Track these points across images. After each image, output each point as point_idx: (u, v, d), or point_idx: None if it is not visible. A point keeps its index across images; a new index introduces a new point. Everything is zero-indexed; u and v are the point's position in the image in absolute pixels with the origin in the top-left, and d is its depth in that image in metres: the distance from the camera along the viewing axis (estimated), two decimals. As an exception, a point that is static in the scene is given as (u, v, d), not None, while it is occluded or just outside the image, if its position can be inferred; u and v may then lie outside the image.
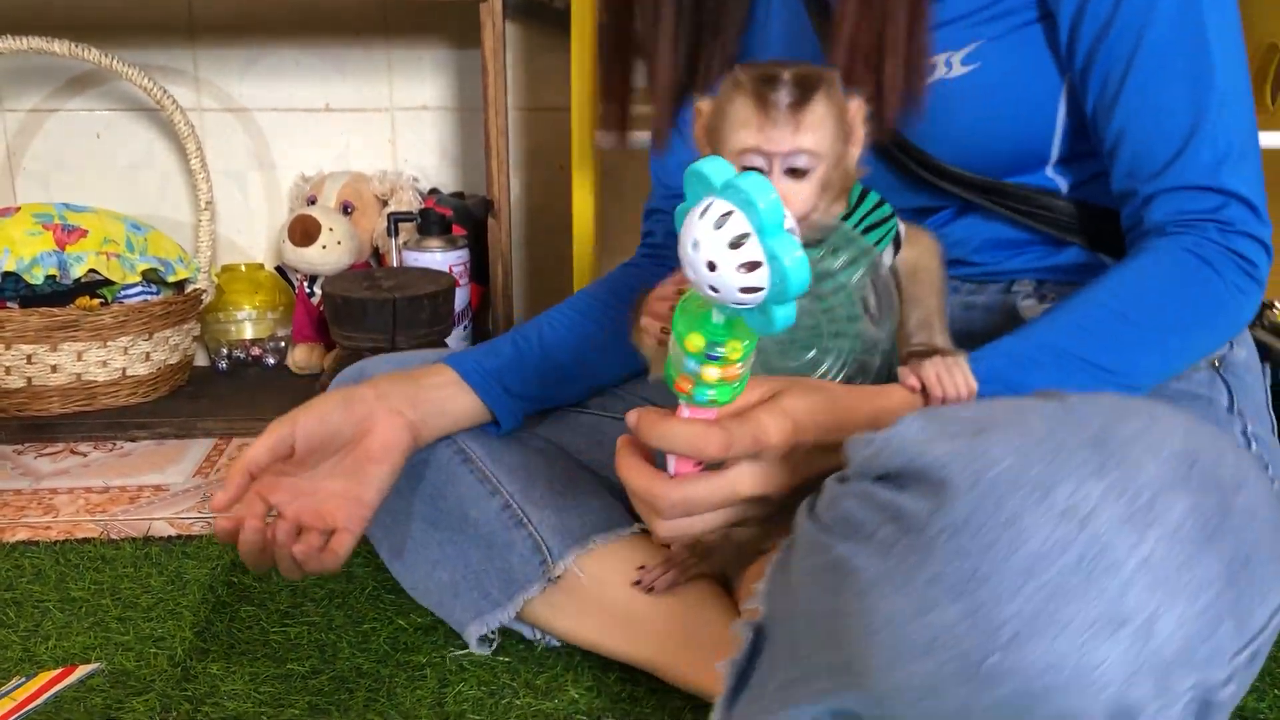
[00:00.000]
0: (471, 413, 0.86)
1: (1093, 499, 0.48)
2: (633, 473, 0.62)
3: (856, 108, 0.65)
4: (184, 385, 1.59)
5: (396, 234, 1.55)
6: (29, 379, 1.43)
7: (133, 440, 1.45)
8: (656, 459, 0.63)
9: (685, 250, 0.51)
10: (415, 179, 1.72)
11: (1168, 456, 0.50)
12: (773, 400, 0.62)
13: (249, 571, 1.02)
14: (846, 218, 0.69)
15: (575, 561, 0.83)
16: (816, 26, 0.80)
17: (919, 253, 0.73)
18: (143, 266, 1.49)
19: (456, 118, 1.73)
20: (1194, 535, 0.48)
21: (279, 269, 1.73)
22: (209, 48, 1.67)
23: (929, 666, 0.50)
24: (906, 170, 0.82)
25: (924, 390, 0.67)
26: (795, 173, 0.63)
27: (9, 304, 1.44)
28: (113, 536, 1.14)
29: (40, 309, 1.42)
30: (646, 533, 0.86)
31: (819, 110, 0.62)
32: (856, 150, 0.66)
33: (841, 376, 0.69)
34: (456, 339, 1.53)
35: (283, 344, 1.69)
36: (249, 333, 1.68)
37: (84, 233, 1.46)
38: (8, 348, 1.41)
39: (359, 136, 1.72)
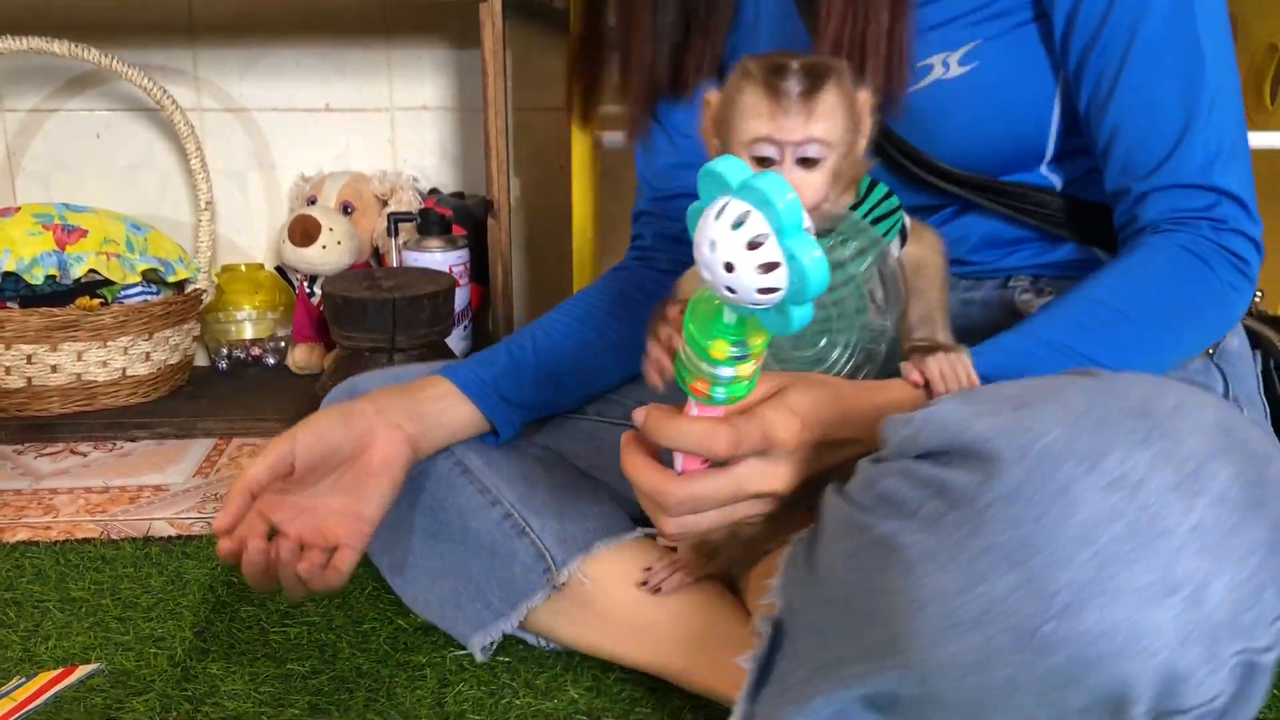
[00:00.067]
0: (470, 423, 0.85)
1: (1141, 468, 0.49)
2: (639, 470, 0.62)
3: (865, 98, 0.65)
4: (184, 385, 1.59)
5: (396, 234, 1.55)
6: (29, 379, 1.43)
7: (133, 440, 1.45)
8: (662, 456, 0.63)
9: (702, 251, 0.50)
10: (415, 179, 1.72)
11: (1208, 427, 0.51)
12: (778, 397, 0.62)
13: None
14: (855, 208, 0.69)
15: (579, 568, 0.82)
16: (809, 26, 0.80)
17: (923, 249, 0.73)
18: (143, 266, 1.49)
19: (456, 118, 1.73)
20: (1240, 502, 0.49)
21: (279, 269, 1.73)
22: (209, 48, 1.67)
23: (980, 639, 0.50)
24: (904, 170, 0.83)
25: (927, 385, 0.67)
26: (807, 162, 0.63)
27: (9, 304, 1.44)
28: (113, 536, 1.14)
29: (40, 309, 1.42)
30: (650, 537, 0.86)
31: (830, 99, 0.62)
32: (864, 140, 0.66)
33: (850, 365, 0.70)
34: (456, 339, 1.53)
35: (283, 344, 1.69)
36: (249, 333, 1.68)
37: (84, 233, 1.46)
38: (8, 348, 1.41)
39: (359, 136, 1.72)
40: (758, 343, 0.55)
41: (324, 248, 1.57)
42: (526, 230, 1.78)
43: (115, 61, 1.47)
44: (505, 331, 1.55)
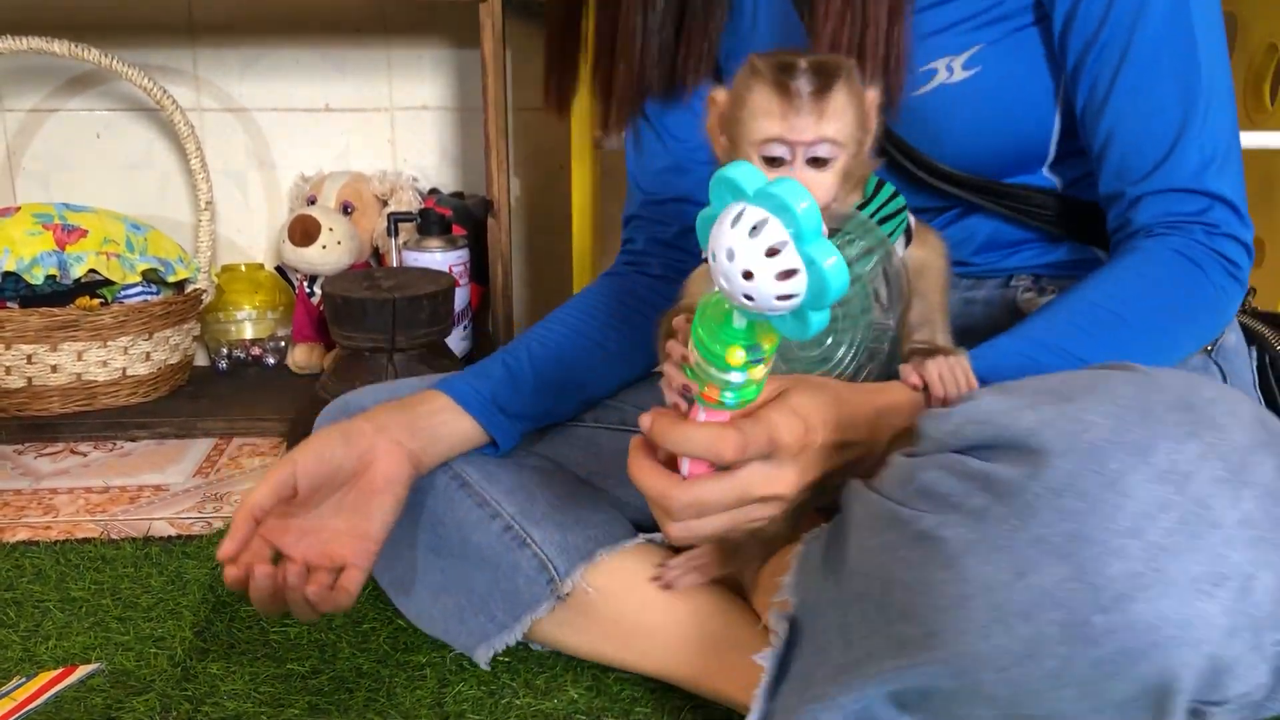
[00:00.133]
0: (469, 436, 0.85)
1: (1190, 459, 0.50)
2: (645, 475, 0.62)
3: (872, 97, 0.65)
4: (184, 385, 1.59)
5: (396, 234, 1.55)
6: (29, 379, 1.43)
7: (133, 440, 1.45)
8: (663, 457, 0.63)
9: (718, 259, 0.50)
10: (415, 179, 1.72)
11: (1247, 419, 0.52)
12: (781, 399, 0.62)
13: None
14: (863, 207, 0.69)
15: (583, 577, 0.82)
16: (808, 26, 0.80)
17: (927, 252, 0.73)
18: (143, 266, 1.49)
19: (456, 118, 1.73)
20: None
21: (279, 269, 1.73)
22: (209, 47, 1.67)
23: (1029, 630, 0.51)
24: (907, 172, 0.83)
25: (925, 388, 0.67)
26: (817, 162, 0.62)
27: (9, 304, 1.44)
28: (113, 536, 1.14)
29: (40, 309, 1.42)
30: (652, 542, 0.85)
31: (841, 98, 0.62)
32: (871, 140, 0.66)
33: (854, 364, 0.70)
34: (456, 339, 1.53)
35: (283, 344, 1.69)
36: (249, 333, 1.68)
37: (84, 233, 1.46)
38: (8, 348, 1.41)
39: (359, 136, 1.72)
40: (768, 347, 0.54)
41: (324, 248, 1.57)
42: (526, 230, 1.78)
43: (115, 61, 1.47)
44: (505, 331, 1.55)
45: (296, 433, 1.34)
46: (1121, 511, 0.49)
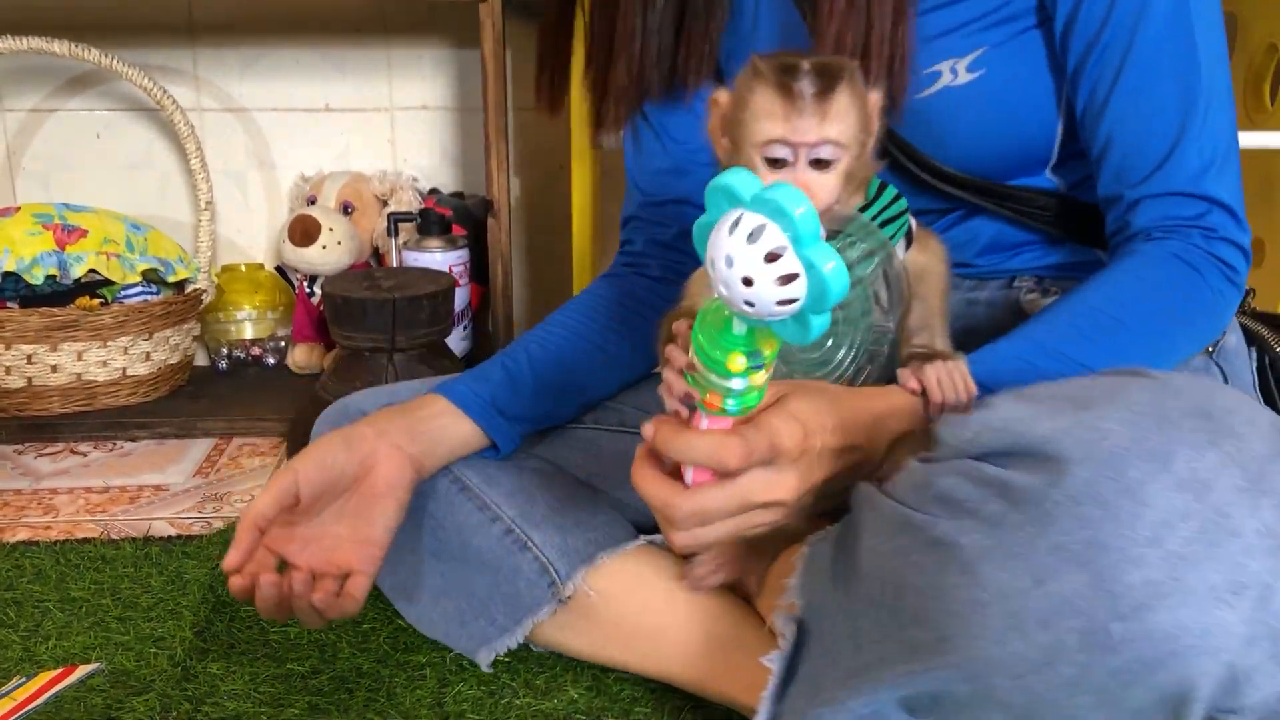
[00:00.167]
0: (470, 440, 0.85)
1: (1210, 468, 0.50)
2: (648, 484, 0.62)
3: (875, 99, 0.65)
4: (184, 385, 1.59)
5: (396, 234, 1.55)
6: (29, 379, 1.43)
7: (133, 440, 1.45)
8: (667, 464, 0.63)
9: (716, 266, 0.50)
10: (415, 179, 1.72)
11: (1264, 428, 0.52)
12: (780, 404, 0.62)
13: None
14: (864, 209, 0.69)
15: (584, 580, 0.82)
16: (810, 27, 0.80)
17: (928, 256, 0.73)
18: (143, 266, 1.49)
19: (456, 118, 1.73)
20: None
21: (279, 269, 1.73)
22: (209, 47, 1.67)
23: (1047, 637, 0.51)
24: (910, 174, 0.83)
25: (924, 393, 0.67)
26: (820, 163, 0.62)
27: (9, 304, 1.44)
28: (113, 536, 1.14)
29: (40, 309, 1.42)
30: (653, 545, 0.85)
31: (844, 100, 0.62)
32: (874, 141, 0.66)
33: (854, 367, 0.70)
34: (456, 339, 1.53)
35: (283, 344, 1.69)
36: (249, 333, 1.68)
37: (84, 233, 1.46)
38: (8, 348, 1.41)
39: (359, 136, 1.72)
40: (769, 352, 0.54)
41: (324, 248, 1.57)
42: (526, 230, 1.78)
43: (115, 61, 1.47)
44: (505, 331, 1.55)
45: (296, 433, 1.34)
46: (1141, 520, 0.50)
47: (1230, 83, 0.77)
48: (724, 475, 0.61)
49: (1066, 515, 0.51)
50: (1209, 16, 0.75)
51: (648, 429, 0.61)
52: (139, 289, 1.50)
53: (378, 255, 1.67)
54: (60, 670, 0.88)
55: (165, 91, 1.51)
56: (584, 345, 0.91)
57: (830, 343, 0.69)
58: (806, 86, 0.61)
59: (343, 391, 0.94)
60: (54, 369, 1.44)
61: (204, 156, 1.56)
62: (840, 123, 0.61)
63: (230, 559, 0.74)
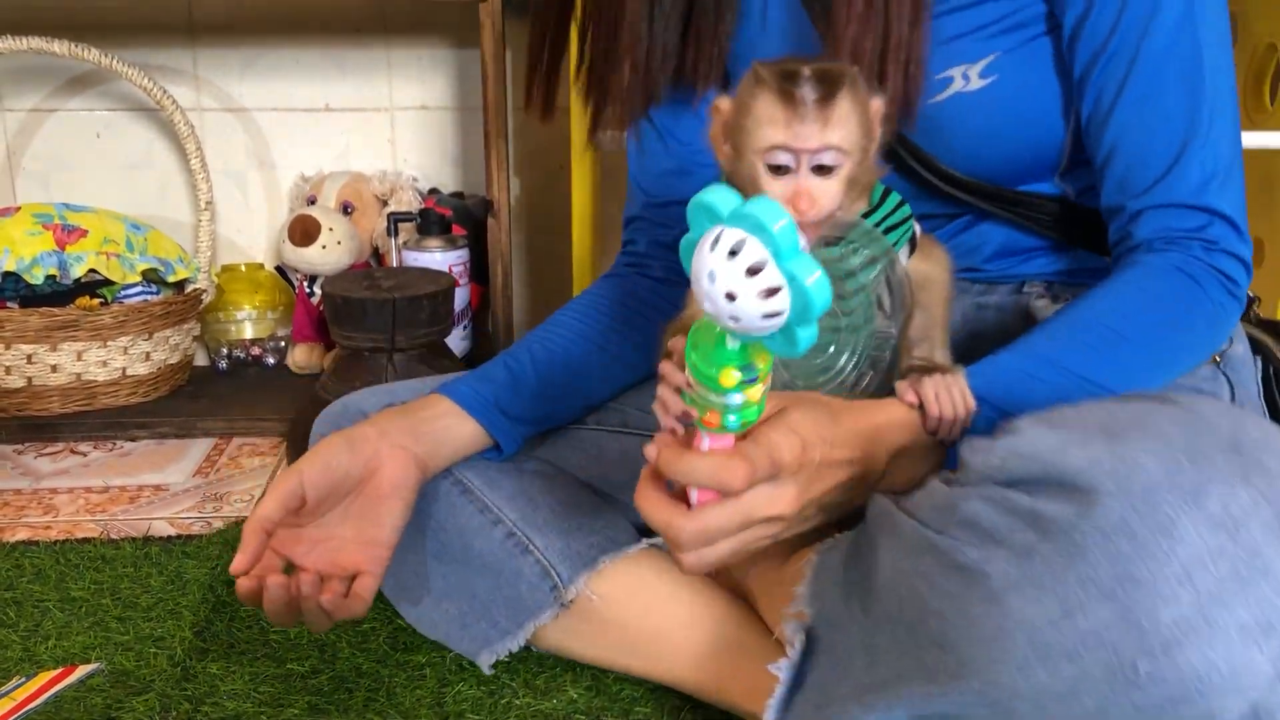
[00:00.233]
0: (473, 440, 0.85)
1: (1243, 506, 0.50)
2: (651, 507, 0.62)
3: (877, 104, 0.65)
4: (184, 385, 1.59)
5: (396, 234, 1.55)
6: (29, 379, 1.43)
7: (133, 440, 1.45)
8: (670, 484, 0.62)
9: (701, 283, 0.50)
10: (415, 179, 1.72)
11: None
12: (779, 417, 0.61)
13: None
14: (867, 215, 0.69)
15: (586, 584, 0.82)
16: (822, 33, 0.79)
17: (931, 265, 0.73)
18: (143, 266, 1.49)
19: (456, 118, 1.73)
20: None
21: (279, 269, 1.73)
22: (208, 47, 1.67)
23: (1072, 670, 0.51)
24: (920, 178, 0.82)
25: (921, 406, 0.67)
26: (822, 170, 0.62)
27: (9, 304, 1.44)
28: (113, 536, 1.14)
29: (40, 309, 1.42)
30: (655, 547, 0.85)
31: (846, 106, 0.61)
32: (876, 147, 0.66)
33: (856, 373, 0.69)
34: (456, 339, 1.53)
35: (283, 344, 1.69)
36: (249, 332, 1.68)
37: (84, 233, 1.46)
38: (8, 348, 1.41)
39: (359, 136, 1.72)
40: (763, 365, 0.54)
41: (324, 248, 1.57)
42: (526, 230, 1.78)
43: (115, 61, 1.47)
44: (505, 331, 1.55)
45: (296, 433, 1.34)
46: (1174, 557, 0.49)
47: (1235, 94, 0.76)
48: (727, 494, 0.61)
49: (1097, 548, 0.51)
50: (1216, 26, 0.74)
51: (650, 450, 0.60)
52: (139, 289, 1.50)
53: (378, 255, 1.67)
54: (60, 670, 0.88)
55: (165, 91, 1.51)
56: (587, 346, 0.90)
57: (832, 350, 0.69)
58: (808, 93, 0.60)
59: (343, 391, 0.94)
60: (54, 369, 1.44)
61: (204, 156, 1.56)
62: (842, 129, 0.61)
63: (238, 563, 0.74)
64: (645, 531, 0.86)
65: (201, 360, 1.69)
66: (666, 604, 0.81)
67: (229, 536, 1.11)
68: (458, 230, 1.56)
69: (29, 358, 1.42)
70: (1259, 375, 0.86)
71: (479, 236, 1.57)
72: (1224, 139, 0.75)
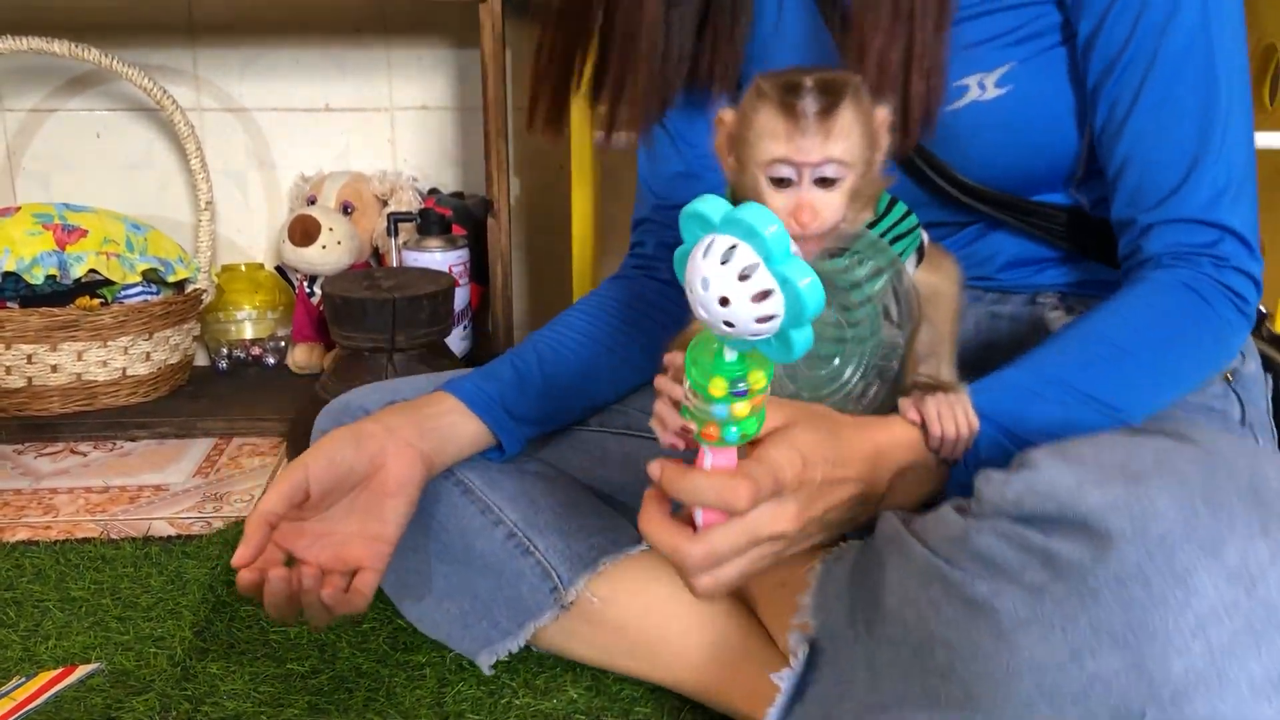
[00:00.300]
0: (476, 439, 0.84)
1: (1261, 560, 0.50)
2: (657, 532, 0.61)
3: (882, 115, 0.64)
4: (184, 385, 1.59)
5: (396, 234, 1.55)
6: (29, 379, 1.43)
7: (133, 440, 1.45)
8: (675, 507, 0.62)
9: (694, 290, 0.50)
10: (415, 179, 1.72)
11: None
12: (782, 434, 0.61)
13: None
14: (874, 225, 0.68)
15: (587, 586, 0.82)
16: (838, 41, 0.78)
17: (940, 278, 0.72)
18: (143, 266, 1.49)
19: (456, 118, 1.73)
20: None
21: (279, 269, 1.73)
22: (208, 47, 1.67)
23: (1077, 713, 0.51)
24: (933, 185, 0.82)
25: (924, 425, 0.67)
26: (825, 182, 0.62)
27: (9, 304, 1.44)
28: (113, 536, 1.14)
29: (40, 309, 1.42)
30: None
31: (847, 118, 0.61)
32: (881, 157, 0.65)
33: (862, 384, 0.69)
34: (456, 339, 1.53)
35: (283, 344, 1.69)
36: (249, 333, 1.68)
37: (84, 233, 1.46)
38: (8, 348, 1.41)
39: (359, 136, 1.72)
40: (763, 373, 0.54)
41: (324, 248, 1.57)
42: (526, 230, 1.78)
43: (115, 61, 1.47)
44: (505, 331, 1.55)
45: (296, 433, 1.34)
46: (1188, 609, 0.49)
47: (1250, 111, 0.76)
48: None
49: (1110, 594, 0.50)
50: (1231, 41, 0.74)
51: (654, 468, 0.60)
52: (139, 289, 1.50)
53: (378, 255, 1.67)
54: (60, 670, 0.88)
55: (165, 91, 1.51)
56: (594, 347, 0.90)
57: (837, 361, 0.69)
58: (809, 105, 0.60)
59: (342, 392, 0.94)
60: (54, 369, 1.44)
61: (204, 156, 1.56)
62: (844, 141, 0.61)
63: (240, 554, 0.73)
64: None
65: (202, 360, 1.69)
66: (667, 606, 0.81)
67: (229, 536, 1.11)
68: (458, 230, 1.56)
69: (29, 358, 1.42)
70: (1269, 392, 0.86)
71: (479, 236, 1.58)
72: (1237, 155, 0.74)
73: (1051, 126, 0.79)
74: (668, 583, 0.82)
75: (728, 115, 0.65)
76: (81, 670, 0.88)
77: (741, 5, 0.84)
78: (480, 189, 1.61)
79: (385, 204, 1.65)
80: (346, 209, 1.64)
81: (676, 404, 0.60)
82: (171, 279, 1.53)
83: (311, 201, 1.66)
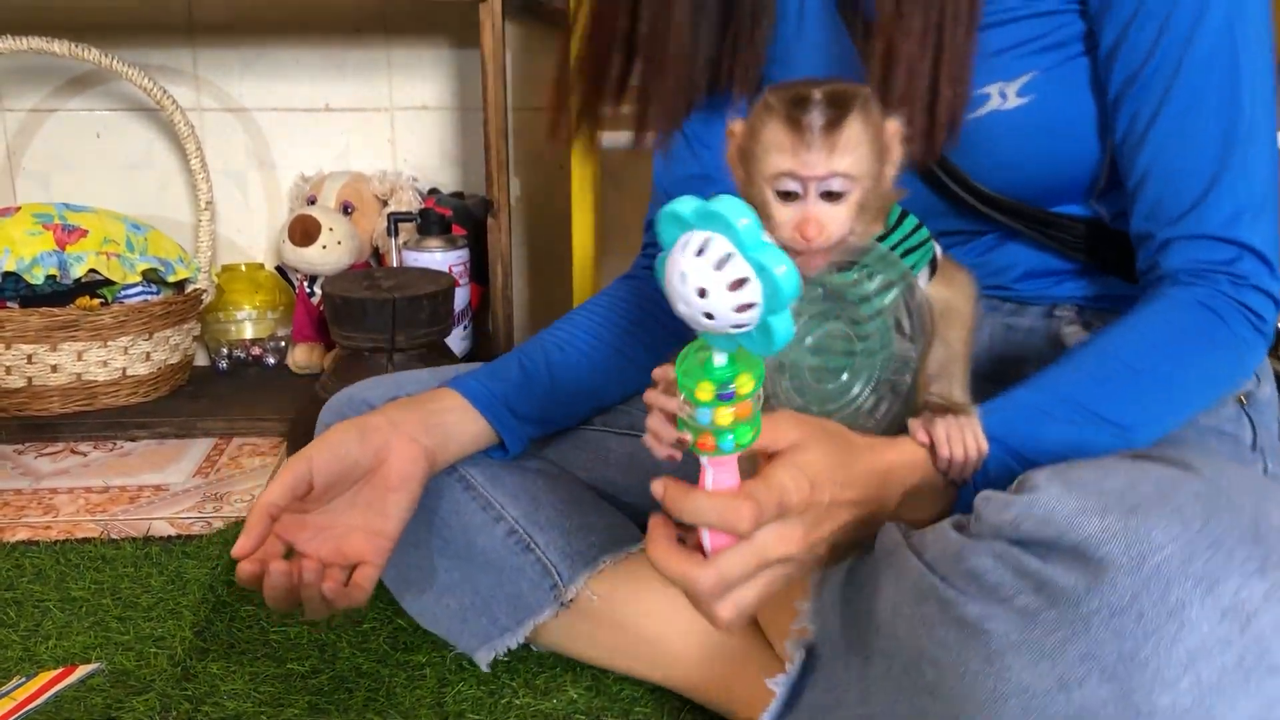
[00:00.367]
0: (479, 437, 0.84)
1: (1256, 599, 0.49)
2: (666, 560, 0.61)
3: (894, 127, 0.64)
4: (184, 385, 1.59)
5: (396, 234, 1.55)
6: (29, 379, 1.43)
7: (133, 440, 1.45)
8: (680, 536, 0.62)
9: (673, 286, 0.51)
10: (415, 179, 1.72)
11: None
12: (789, 455, 0.61)
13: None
14: (883, 239, 0.68)
15: (586, 584, 0.82)
16: (861, 49, 0.78)
17: (953, 293, 0.71)
18: (143, 266, 1.49)
19: (456, 118, 1.73)
20: None
21: (279, 269, 1.73)
22: (208, 47, 1.67)
23: None
24: (951, 194, 0.81)
25: (933, 446, 0.67)
26: (831, 195, 0.61)
27: (9, 304, 1.44)
28: (113, 536, 1.14)
29: (40, 309, 1.42)
30: None
31: (854, 131, 0.60)
32: (893, 170, 0.64)
33: (874, 398, 0.69)
34: (456, 339, 1.53)
35: (283, 344, 1.69)
36: (249, 332, 1.68)
37: (84, 233, 1.46)
38: (8, 348, 1.41)
39: (359, 136, 1.72)
40: (750, 376, 0.54)
41: (324, 248, 1.57)
42: (526, 230, 1.78)
43: (115, 61, 1.47)
44: (505, 331, 1.55)
45: (296, 433, 1.34)
46: (1179, 644, 0.49)
47: (1275, 126, 0.74)
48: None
49: (1102, 624, 0.50)
50: (1256, 53, 0.72)
51: (657, 487, 0.59)
52: (139, 289, 1.50)
53: (378, 255, 1.67)
54: (60, 670, 0.88)
55: (165, 91, 1.51)
56: (602, 348, 0.90)
57: (846, 376, 0.68)
58: (815, 119, 0.59)
59: (342, 391, 0.94)
60: (54, 369, 1.44)
61: (204, 156, 1.56)
62: (850, 155, 0.60)
63: (241, 545, 0.73)
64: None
65: (202, 360, 1.69)
66: (666, 606, 0.81)
67: (229, 536, 1.11)
68: (458, 230, 1.56)
69: (29, 358, 1.42)
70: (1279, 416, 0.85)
71: (479, 236, 1.57)
72: (1259, 170, 0.73)
73: (1072, 137, 0.78)
74: (668, 583, 0.82)
75: (737, 126, 0.65)
76: (82, 670, 0.88)
77: (762, 7, 0.83)
78: (480, 189, 1.61)
79: (385, 204, 1.65)
80: (346, 209, 1.64)
81: (672, 418, 0.60)
82: (171, 279, 1.53)
83: (311, 201, 1.66)
